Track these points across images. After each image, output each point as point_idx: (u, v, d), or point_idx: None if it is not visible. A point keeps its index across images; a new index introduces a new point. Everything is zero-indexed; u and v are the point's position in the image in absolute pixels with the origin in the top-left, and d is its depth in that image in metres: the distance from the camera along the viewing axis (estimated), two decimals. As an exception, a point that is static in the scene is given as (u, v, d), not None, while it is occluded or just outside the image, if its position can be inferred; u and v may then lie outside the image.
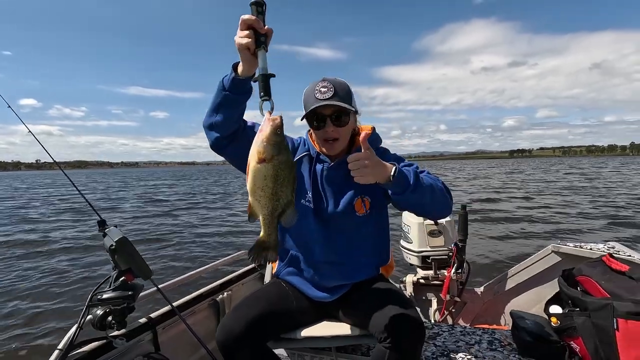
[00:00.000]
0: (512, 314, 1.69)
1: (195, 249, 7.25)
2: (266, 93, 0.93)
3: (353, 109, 1.25)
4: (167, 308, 1.59)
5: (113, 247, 1.17)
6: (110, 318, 1.26)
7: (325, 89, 1.22)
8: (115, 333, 1.35)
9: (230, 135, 1.16)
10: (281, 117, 0.93)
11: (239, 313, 1.24)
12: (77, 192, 1.58)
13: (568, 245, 2.11)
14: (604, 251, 1.92)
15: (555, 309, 1.54)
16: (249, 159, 0.93)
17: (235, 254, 2.18)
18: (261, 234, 0.96)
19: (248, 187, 0.92)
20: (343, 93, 1.24)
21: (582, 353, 1.38)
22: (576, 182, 22.20)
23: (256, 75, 0.95)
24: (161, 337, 1.53)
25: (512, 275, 2.35)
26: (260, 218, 0.94)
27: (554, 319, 1.48)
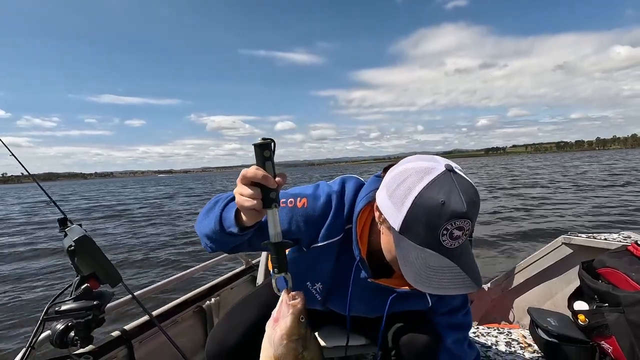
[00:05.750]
0: (530, 311, 1.54)
1: (176, 252, 6.95)
2: (280, 267, 0.69)
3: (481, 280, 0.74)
4: (144, 318, 1.39)
5: (72, 247, 0.97)
6: (73, 333, 1.06)
7: (460, 233, 0.68)
8: (81, 351, 1.14)
9: (229, 250, 0.89)
10: (303, 297, 0.69)
11: (233, 320, 1.06)
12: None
13: (580, 237, 1.98)
14: (620, 241, 1.79)
15: (581, 305, 1.39)
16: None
17: (222, 255, 1.98)
18: None
19: None
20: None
21: (616, 354, 1.24)
22: (581, 175, 22.41)
23: (266, 241, 0.70)
24: (138, 353, 1.33)
25: (521, 270, 2.21)
26: None
27: (581, 317, 1.33)
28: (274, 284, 0.72)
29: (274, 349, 0.66)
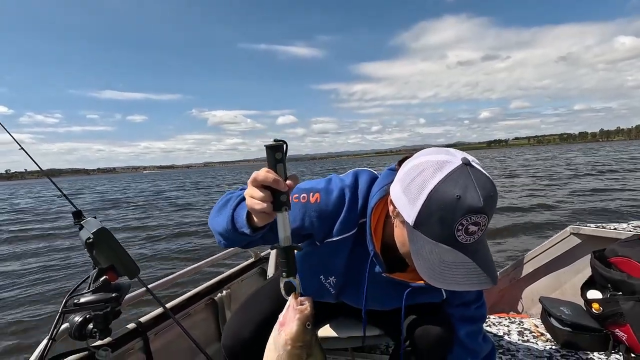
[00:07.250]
0: (542, 300, 1.55)
1: (187, 244, 6.99)
2: (289, 271, 0.68)
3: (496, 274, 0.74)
4: (159, 311, 1.39)
5: (90, 240, 0.96)
6: (91, 325, 1.06)
7: (476, 228, 0.66)
8: (99, 343, 1.15)
9: (243, 246, 0.91)
10: (311, 303, 0.68)
11: (246, 314, 1.06)
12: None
13: (589, 227, 1.98)
14: (630, 230, 1.79)
15: (594, 294, 1.40)
16: None
17: (232, 247, 1.98)
18: None
19: None
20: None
21: (630, 342, 1.24)
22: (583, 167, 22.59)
23: (275, 245, 0.70)
24: (153, 344, 1.34)
25: (529, 261, 2.21)
26: None
27: (595, 305, 1.34)
28: (282, 289, 0.71)
29: (277, 353, 0.65)
